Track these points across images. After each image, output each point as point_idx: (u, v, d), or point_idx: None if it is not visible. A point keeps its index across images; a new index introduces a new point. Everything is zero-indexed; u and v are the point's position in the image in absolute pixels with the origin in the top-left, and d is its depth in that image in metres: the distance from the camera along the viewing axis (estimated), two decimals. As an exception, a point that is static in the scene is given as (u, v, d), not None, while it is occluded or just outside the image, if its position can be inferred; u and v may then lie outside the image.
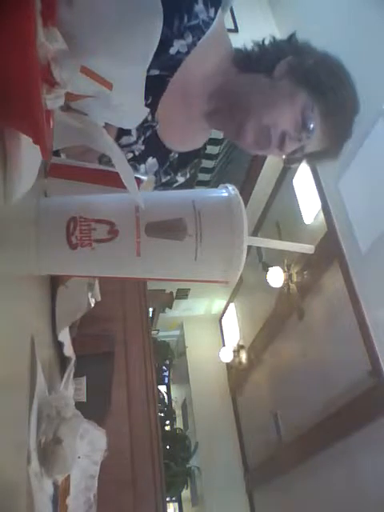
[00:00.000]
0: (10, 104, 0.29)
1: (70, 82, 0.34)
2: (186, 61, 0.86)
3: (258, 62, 0.91)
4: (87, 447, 0.54)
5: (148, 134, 0.95)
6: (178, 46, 0.85)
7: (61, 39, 0.32)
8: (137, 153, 0.97)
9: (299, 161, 0.97)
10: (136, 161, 0.98)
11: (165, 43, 0.82)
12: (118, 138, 0.91)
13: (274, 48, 0.92)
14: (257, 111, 0.88)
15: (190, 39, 0.84)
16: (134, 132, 0.93)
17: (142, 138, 0.95)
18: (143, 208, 0.42)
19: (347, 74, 0.92)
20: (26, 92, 0.28)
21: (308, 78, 0.87)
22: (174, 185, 1.08)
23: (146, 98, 0.86)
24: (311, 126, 0.87)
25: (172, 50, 0.85)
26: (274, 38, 0.93)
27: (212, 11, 0.86)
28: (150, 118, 0.92)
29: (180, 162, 1.04)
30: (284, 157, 0.94)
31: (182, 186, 1.09)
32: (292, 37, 0.93)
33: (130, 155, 0.97)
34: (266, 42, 0.93)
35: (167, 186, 1.07)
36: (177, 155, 1.02)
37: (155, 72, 0.85)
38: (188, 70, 0.87)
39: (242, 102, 0.90)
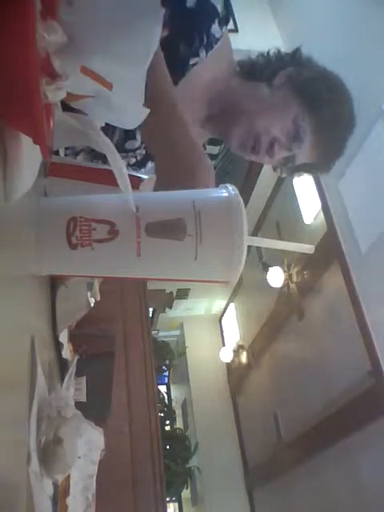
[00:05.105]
0: (10, 104, 0.29)
1: (70, 74, 0.34)
2: (192, 69, 0.88)
3: (260, 71, 0.94)
4: (85, 447, 0.54)
5: None
6: (192, 62, 0.88)
7: (60, 31, 0.32)
8: (139, 157, 0.98)
9: (291, 170, 0.99)
10: (137, 166, 0.98)
11: (183, 61, 0.85)
12: (123, 142, 0.92)
13: (277, 59, 0.95)
14: (249, 116, 0.90)
15: (204, 55, 0.87)
16: (138, 136, 0.93)
17: (145, 143, 0.96)
18: (133, 209, 0.42)
19: (345, 92, 0.94)
20: (25, 92, 0.28)
21: (304, 89, 0.90)
22: None
23: None
24: (302, 135, 0.88)
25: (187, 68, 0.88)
26: (278, 50, 0.96)
27: (224, 28, 0.89)
28: None
29: None
30: (272, 165, 0.96)
31: None
32: (297, 51, 0.95)
33: (134, 160, 0.97)
34: (271, 53, 0.96)
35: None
36: None
37: None
38: (193, 77, 0.89)
39: (236, 106, 0.92)
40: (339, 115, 0.91)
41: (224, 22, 0.88)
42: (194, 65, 0.88)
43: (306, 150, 0.91)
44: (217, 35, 0.87)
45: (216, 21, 0.86)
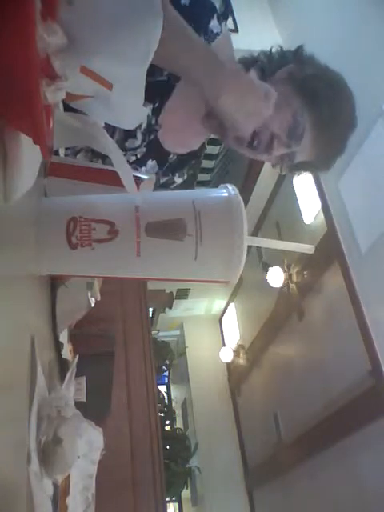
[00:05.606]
0: (10, 104, 0.29)
1: (70, 74, 0.34)
2: None
3: (261, 68, 0.93)
4: (85, 447, 0.54)
5: (151, 137, 0.96)
6: None
7: (60, 32, 0.32)
8: (139, 155, 0.98)
9: (291, 168, 0.98)
10: (137, 164, 0.99)
11: None
12: (123, 141, 0.92)
13: (279, 56, 0.94)
14: None
15: None
16: (139, 135, 0.93)
17: (146, 141, 0.96)
18: (141, 205, 0.42)
19: (346, 90, 0.93)
20: (25, 92, 0.28)
21: (304, 85, 0.89)
22: (172, 186, 1.09)
23: (153, 102, 0.88)
24: (301, 132, 0.88)
25: None
26: (280, 48, 0.96)
27: (223, 25, 0.88)
28: (153, 121, 0.92)
29: (178, 164, 1.05)
30: (272, 163, 0.96)
31: (181, 186, 1.09)
32: (299, 49, 0.95)
33: (134, 158, 0.97)
34: (273, 50, 0.95)
35: (165, 187, 1.08)
36: (175, 157, 1.03)
37: (164, 78, 0.86)
38: None
39: None
40: (339, 113, 0.90)
41: (223, 17, 0.88)
42: None
43: (305, 147, 0.90)
44: (215, 30, 0.86)
45: (214, 16, 0.85)
